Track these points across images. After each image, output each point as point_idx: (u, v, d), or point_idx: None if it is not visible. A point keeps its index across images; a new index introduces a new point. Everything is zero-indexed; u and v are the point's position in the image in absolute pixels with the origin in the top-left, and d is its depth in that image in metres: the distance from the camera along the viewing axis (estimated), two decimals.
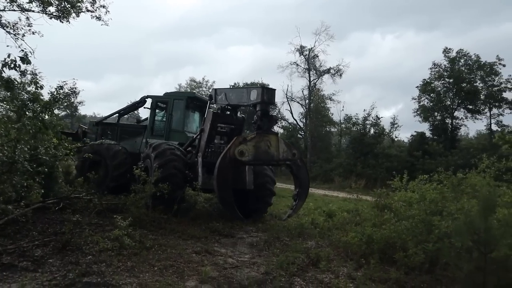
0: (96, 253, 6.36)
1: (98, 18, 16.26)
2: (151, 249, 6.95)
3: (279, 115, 42.98)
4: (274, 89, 7.90)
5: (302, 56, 41.74)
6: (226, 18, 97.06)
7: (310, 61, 41.48)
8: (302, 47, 41.34)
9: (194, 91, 14.19)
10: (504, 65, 35.36)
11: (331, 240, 9.34)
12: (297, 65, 41.99)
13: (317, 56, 42.17)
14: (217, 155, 9.88)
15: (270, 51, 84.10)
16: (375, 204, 10.44)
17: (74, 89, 9.13)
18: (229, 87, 43.94)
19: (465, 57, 36.52)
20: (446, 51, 37.16)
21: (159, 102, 12.50)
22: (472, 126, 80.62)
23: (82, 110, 72.26)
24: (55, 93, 8.59)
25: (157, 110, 12.51)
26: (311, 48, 41.56)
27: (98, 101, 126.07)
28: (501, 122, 36.13)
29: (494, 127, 36.32)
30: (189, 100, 12.08)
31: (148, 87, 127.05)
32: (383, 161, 35.28)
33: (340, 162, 37.44)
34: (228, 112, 10.44)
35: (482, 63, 35.55)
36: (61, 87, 8.97)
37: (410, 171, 15.80)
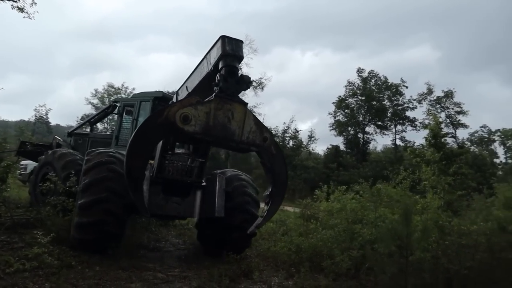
0: (5, 276, 5.60)
1: (21, 9, 14.12)
2: (73, 268, 6.33)
3: None
4: (241, 40, 5.48)
5: None
6: (148, 24, 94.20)
7: None
8: None
9: (162, 90, 10.79)
10: (407, 87, 39.75)
11: (259, 251, 9.44)
12: None
13: (241, 69, 42.88)
14: (177, 170, 8.09)
15: (193, 61, 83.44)
16: (301, 214, 10.81)
17: None
18: None
19: (375, 78, 40.19)
20: (359, 71, 40.52)
21: (127, 106, 10.51)
22: (380, 141, 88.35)
23: None
24: None
25: (125, 116, 10.46)
26: None
27: None
28: (404, 138, 40.47)
29: (398, 142, 40.35)
30: (157, 101, 9.74)
31: (61, 90, 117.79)
32: (301, 172, 36.89)
33: (260, 173, 38.27)
34: None
35: (389, 84, 39.44)
36: None
37: (326, 182, 16.79)
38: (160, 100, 9.72)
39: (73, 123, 44.31)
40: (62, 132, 15.39)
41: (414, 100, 38.46)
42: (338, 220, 9.50)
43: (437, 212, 7.31)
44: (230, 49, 5.20)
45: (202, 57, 5.92)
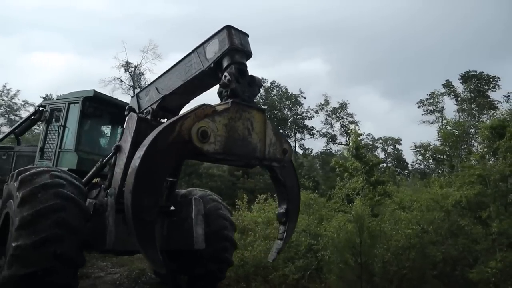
0: None
1: None
2: None
3: None
4: (247, 34, 4.49)
5: (127, 72, 40.21)
6: (32, 19, 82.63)
7: (135, 79, 40.29)
8: (128, 63, 39.84)
9: (93, 89, 8.27)
10: (305, 97, 42.67)
11: None
12: (122, 81, 40.16)
13: (143, 74, 41.41)
14: None
15: (87, 63, 76.16)
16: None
17: None
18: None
19: (277, 88, 42.28)
20: (262, 80, 42.11)
21: (55, 111, 8.40)
22: None
23: None
24: None
25: (54, 122, 8.35)
26: (137, 65, 40.49)
27: None
28: (303, 145, 43.35)
29: (298, 150, 42.97)
30: (87, 102, 7.83)
31: None
32: (207, 180, 36.70)
33: None
34: (165, 119, 5.87)
35: (289, 94, 41.85)
36: None
37: (232, 190, 16.99)
38: (91, 100, 7.89)
39: None
40: None
41: (311, 110, 41.62)
42: (271, 231, 9.76)
43: (369, 219, 7.94)
44: (239, 43, 4.25)
45: (188, 51, 4.86)
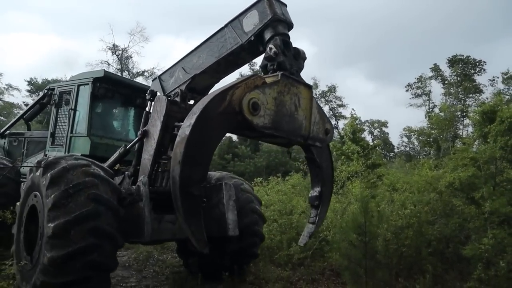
0: None
1: None
2: None
3: None
4: (285, 3, 4.23)
5: (114, 55, 39.64)
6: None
7: (123, 62, 39.80)
8: (115, 46, 39.24)
9: (103, 69, 7.92)
10: None
11: None
12: (109, 64, 39.59)
13: (131, 57, 40.93)
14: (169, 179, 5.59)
15: (69, 45, 74.02)
16: None
17: None
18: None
19: None
20: (251, 64, 42.02)
21: (64, 94, 8.03)
22: None
23: None
24: None
25: (64, 106, 8.01)
26: (125, 48, 39.92)
27: None
28: None
29: None
30: (98, 83, 7.44)
31: None
32: None
33: None
34: (193, 101, 5.64)
35: None
36: None
37: None
38: (101, 81, 7.51)
39: None
40: None
41: None
42: (272, 212, 10.10)
43: (369, 200, 8.30)
44: (281, 14, 4.02)
45: (220, 26, 4.57)
